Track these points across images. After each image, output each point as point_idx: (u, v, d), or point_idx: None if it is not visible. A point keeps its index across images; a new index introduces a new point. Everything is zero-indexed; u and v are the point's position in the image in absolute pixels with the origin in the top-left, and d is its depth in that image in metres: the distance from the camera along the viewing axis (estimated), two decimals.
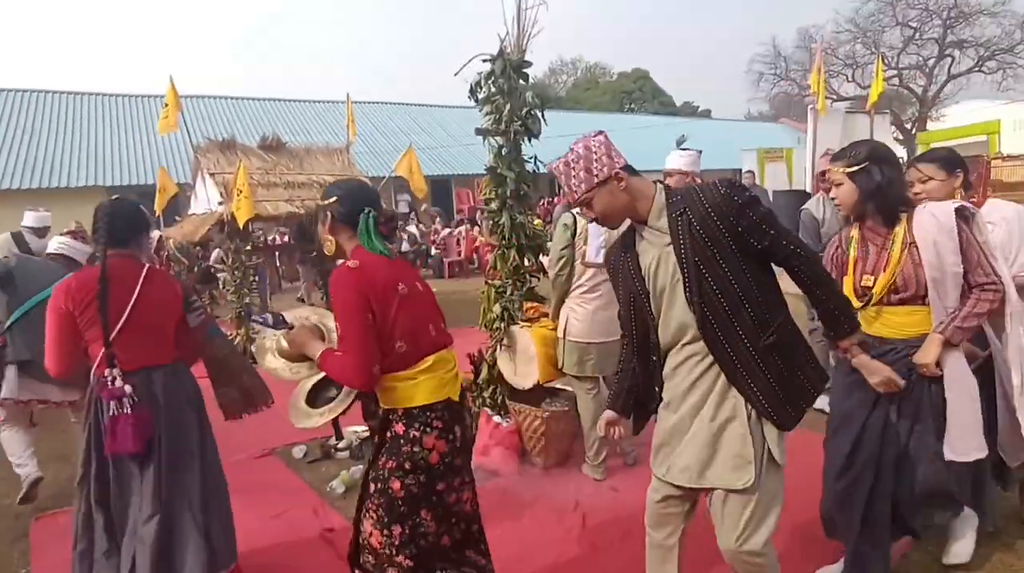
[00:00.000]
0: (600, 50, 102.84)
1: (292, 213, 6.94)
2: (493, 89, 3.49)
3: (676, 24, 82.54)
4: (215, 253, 10.20)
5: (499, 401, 3.69)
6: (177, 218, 8.78)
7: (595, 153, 1.78)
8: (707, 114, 47.85)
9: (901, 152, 23.63)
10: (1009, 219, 2.44)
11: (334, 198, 1.91)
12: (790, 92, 33.81)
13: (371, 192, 1.99)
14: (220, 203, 6.48)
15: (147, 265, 2.30)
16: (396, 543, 1.80)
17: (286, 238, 12.13)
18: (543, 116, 3.56)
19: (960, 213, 2.05)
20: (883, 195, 2.07)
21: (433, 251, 13.86)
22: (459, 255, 13.58)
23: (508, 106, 3.42)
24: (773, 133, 28.81)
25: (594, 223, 3.18)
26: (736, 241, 1.68)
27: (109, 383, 2.11)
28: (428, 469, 1.81)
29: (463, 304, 7.36)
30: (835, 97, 33.22)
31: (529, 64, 3.50)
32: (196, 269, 10.30)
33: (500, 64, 3.42)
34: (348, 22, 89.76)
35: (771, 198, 10.51)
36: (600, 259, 3.19)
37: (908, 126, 29.21)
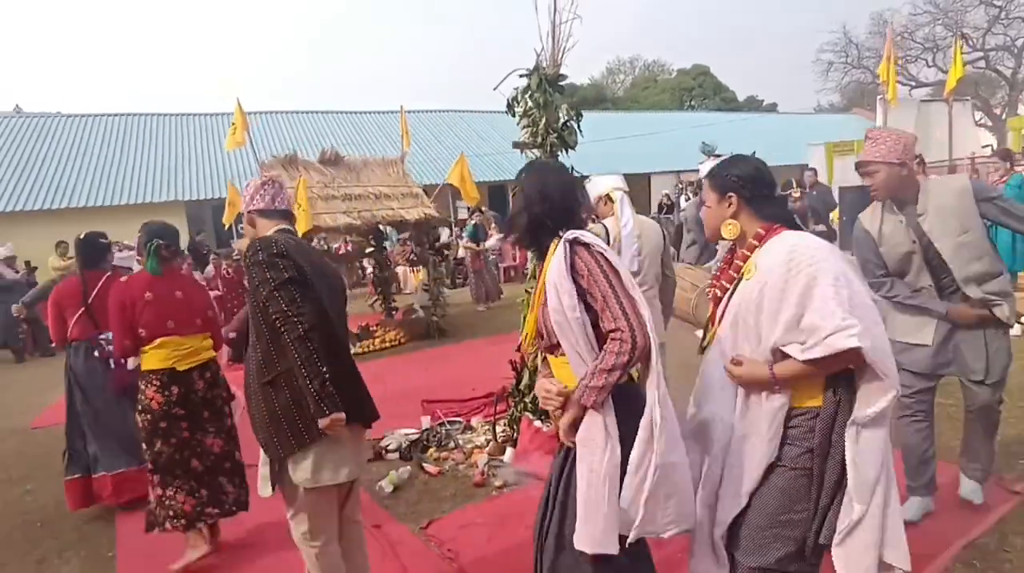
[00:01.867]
0: (659, 47, 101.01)
1: (350, 224, 7.28)
2: (530, 103, 3.59)
3: (738, 16, 79.97)
4: None
5: (539, 406, 3.77)
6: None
7: None
8: (773, 108, 46.23)
9: (990, 139, 22.01)
10: None
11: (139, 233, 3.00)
12: (863, 81, 32.23)
13: (163, 230, 3.01)
14: None
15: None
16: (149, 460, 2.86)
17: (349, 247, 12.66)
18: (579, 127, 3.63)
19: (574, 244, 1.67)
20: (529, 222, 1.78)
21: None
22: (514, 260, 13.72)
23: (544, 119, 3.51)
24: (845, 125, 27.43)
25: (628, 233, 3.26)
26: None
27: None
28: (152, 412, 2.81)
29: (515, 309, 7.48)
30: (914, 83, 31.44)
31: (564, 78, 3.58)
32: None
33: (536, 79, 3.52)
34: (406, 32, 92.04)
35: (837, 196, 10.09)
36: (635, 267, 3.23)
37: (998, 111, 27.24)
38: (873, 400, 1.57)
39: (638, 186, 21.81)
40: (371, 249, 9.56)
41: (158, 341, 2.86)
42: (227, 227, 9.55)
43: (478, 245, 10.86)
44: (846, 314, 1.52)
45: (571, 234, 1.69)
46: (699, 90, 43.96)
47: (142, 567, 2.96)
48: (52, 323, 3.55)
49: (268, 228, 2.28)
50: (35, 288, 5.16)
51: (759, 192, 1.74)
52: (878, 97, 11.16)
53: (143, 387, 2.87)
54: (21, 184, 16.38)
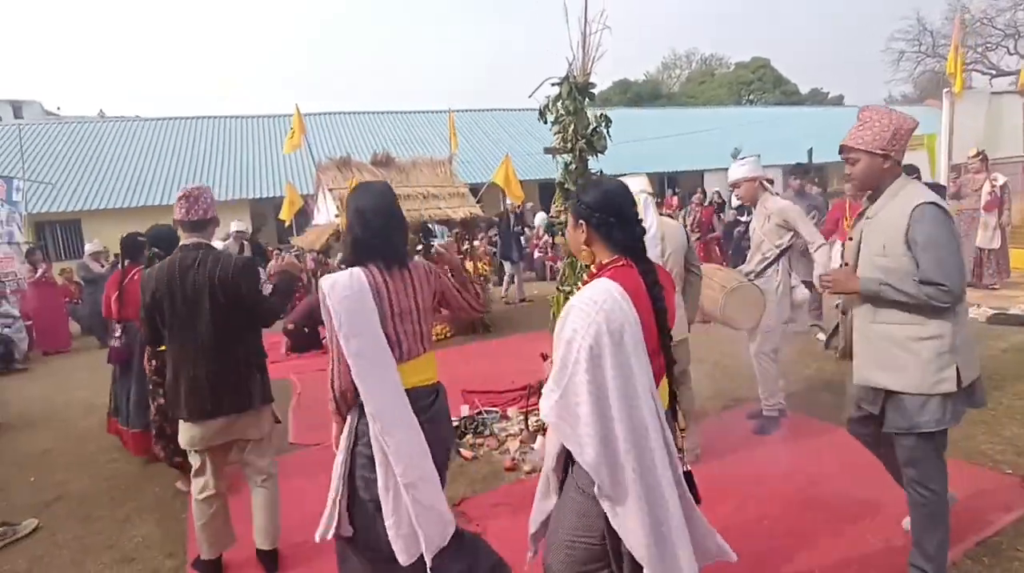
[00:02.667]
0: (716, 41, 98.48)
1: None
2: (561, 110, 3.79)
3: (801, 4, 77.01)
4: (337, 258, 11.30)
5: None
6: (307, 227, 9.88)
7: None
8: (838, 101, 44.42)
9: None
10: None
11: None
12: (937, 70, 30.59)
13: (157, 236, 3.70)
14: (336, 215, 7.31)
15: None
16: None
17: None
18: (608, 133, 3.80)
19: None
20: None
21: (536, 254, 14.27)
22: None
23: (573, 125, 3.70)
24: (917, 117, 26.07)
25: (652, 235, 3.41)
26: None
27: None
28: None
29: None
30: (995, 72, 29.62)
31: (593, 85, 3.75)
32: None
33: (566, 87, 3.71)
34: (460, 30, 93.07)
35: None
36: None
37: None
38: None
39: (691, 184, 21.52)
40: (420, 246, 9.94)
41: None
42: (287, 224, 10.17)
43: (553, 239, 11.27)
44: (552, 387, 1.62)
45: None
46: (758, 84, 42.73)
47: None
48: (104, 304, 4.44)
49: (183, 239, 2.78)
50: None
51: (605, 220, 1.73)
52: (944, 90, 10.69)
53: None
54: (105, 183, 17.73)
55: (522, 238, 11.55)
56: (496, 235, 12.19)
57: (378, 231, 2.07)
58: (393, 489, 1.97)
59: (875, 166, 2.25)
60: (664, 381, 1.79)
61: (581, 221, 1.77)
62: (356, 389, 2.00)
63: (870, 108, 2.30)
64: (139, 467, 4.34)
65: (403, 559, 1.97)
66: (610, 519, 1.64)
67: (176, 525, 3.44)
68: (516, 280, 10.51)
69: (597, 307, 1.60)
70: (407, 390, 2.07)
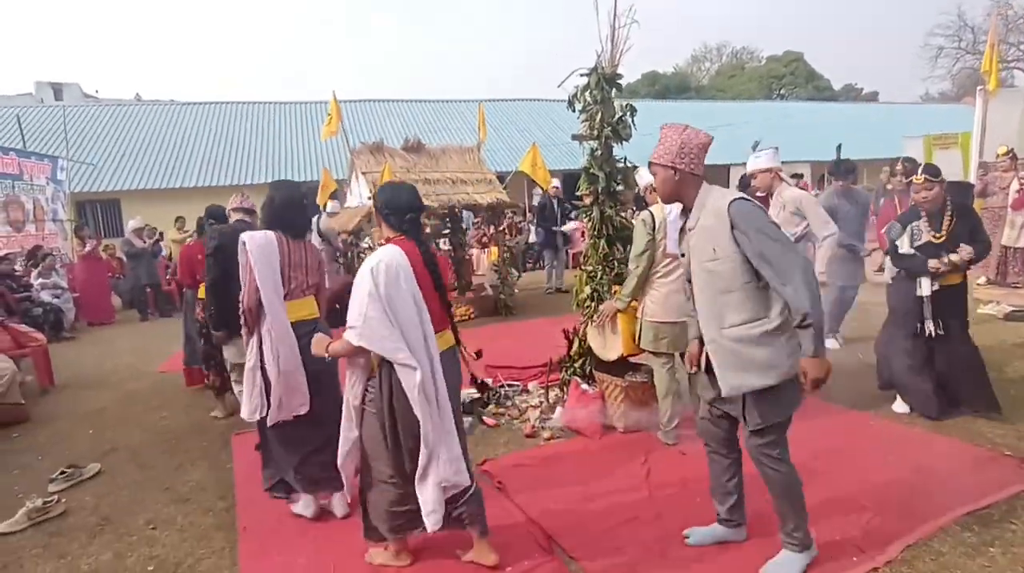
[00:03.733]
0: (748, 34, 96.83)
1: (429, 206, 7.91)
2: (589, 100, 4.00)
3: None
4: (366, 240, 11.63)
5: (587, 371, 4.23)
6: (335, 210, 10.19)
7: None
8: (873, 97, 43.56)
9: None
10: None
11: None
12: (977, 68, 29.82)
13: (216, 211, 4.66)
14: (368, 198, 7.60)
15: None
16: None
17: (427, 228, 13.42)
18: (633, 122, 4.00)
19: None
20: None
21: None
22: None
23: (600, 114, 3.91)
24: (953, 116, 25.56)
25: (673, 219, 3.61)
26: None
27: None
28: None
29: None
30: None
31: (620, 76, 3.96)
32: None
33: (594, 77, 3.92)
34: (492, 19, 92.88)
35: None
36: (678, 249, 3.59)
37: None
38: (405, 378, 2.35)
39: (717, 177, 21.42)
40: (447, 231, 10.19)
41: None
42: (323, 207, 10.52)
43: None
44: (356, 318, 2.31)
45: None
46: (790, 78, 42.07)
47: (251, 474, 3.65)
48: (182, 271, 5.05)
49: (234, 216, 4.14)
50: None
51: (388, 212, 2.52)
52: (978, 88, 10.60)
53: None
54: (143, 165, 18.33)
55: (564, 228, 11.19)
56: (531, 223, 12.06)
57: (284, 213, 3.12)
58: (275, 374, 2.96)
59: (668, 178, 2.41)
60: (448, 331, 2.59)
61: (376, 212, 2.61)
62: (259, 309, 2.95)
63: (668, 126, 2.46)
64: (187, 424, 4.69)
65: (278, 415, 3.01)
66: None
67: (225, 473, 3.76)
68: (557, 269, 10.41)
69: (381, 254, 2.39)
70: (291, 322, 3.02)
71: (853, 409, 4.21)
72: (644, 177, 3.78)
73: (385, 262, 2.36)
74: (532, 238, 13.85)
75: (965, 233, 3.75)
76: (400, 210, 2.54)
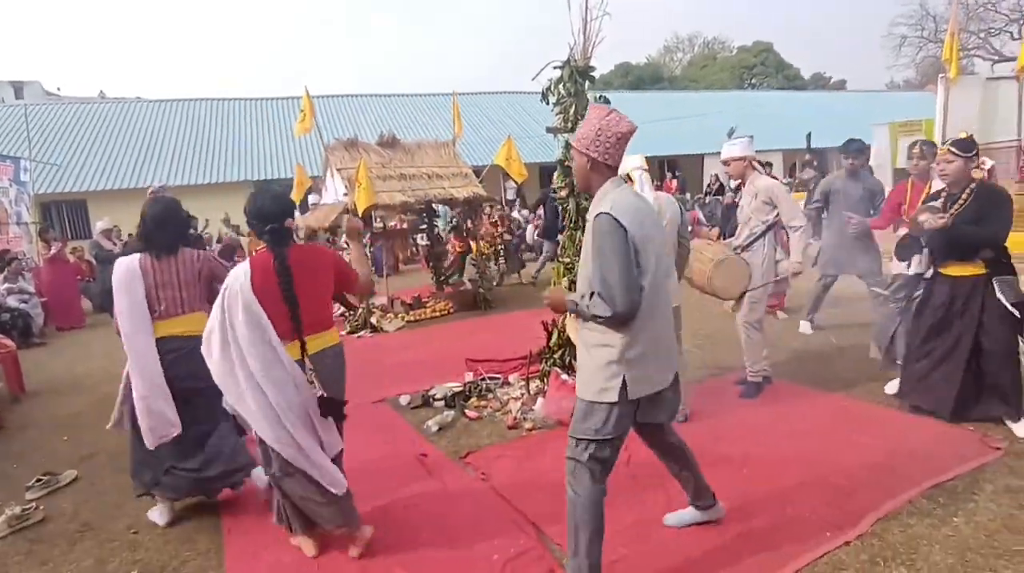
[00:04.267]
0: (719, 24, 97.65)
1: (405, 202, 7.89)
2: (563, 92, 4.03)
3: None
4: (343, 238, 11.54)
5: (567, 361, 4.28)
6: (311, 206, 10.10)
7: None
8: (841, 85, 44.34)
9: None
10: None
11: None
12: (940, 56, 30.47)
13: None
14: (344, 194, 7.55)
15: None
16: None
17: (404, 225, 13.35)
18: None
19: None
20: None
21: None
22: None
23: (574, 107, 3.95)
24: (918, 103, 26.19)
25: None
26: None
27: None
28: None
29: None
30: (997, 58, 29.56)
31: (593, 68, 4.00)
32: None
33: (568, 70, 3.95)
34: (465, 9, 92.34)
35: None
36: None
37: None
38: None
39: (691, 167, 21.67)
40: (424, 226, 10.18)
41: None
42: (297, 204, 10.42)
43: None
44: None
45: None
46: (761, 68, 42.66)
47: None
48: None
49: None
50: None
51: (252, 220, 2.61)
52: (940, 75, 10.89)
53: None
54: (110, 164, 17.92)
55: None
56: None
57: (152, 230, 3.10)
58: (136, 398, 3.02)
59: (581, 165, 2.24)
60: (296, 342, 2.55)
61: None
62: None
63: (594, 106, 2.31)
64: None
65: (148, 440, 3.03)
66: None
67: None
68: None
69: (235, 275, 2.53)
70: (161, 338, 3.05)
71: (826, 391, 4.34)
72: (623, 166, 3.84)
73: (229, 289, 2.52)
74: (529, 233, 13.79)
75: (971, 216, 3.42)
76: (261, 219, 2.57)
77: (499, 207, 12.47)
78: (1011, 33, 28.33)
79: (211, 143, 19.59)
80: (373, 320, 7.67)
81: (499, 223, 10.98)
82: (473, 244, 9.16)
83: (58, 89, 38.75)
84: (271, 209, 2.56)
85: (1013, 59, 26.86)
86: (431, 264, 10.45)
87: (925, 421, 3.69)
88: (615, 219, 2.09)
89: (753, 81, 41.84)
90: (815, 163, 15.95)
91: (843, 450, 3.41)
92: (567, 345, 4.30)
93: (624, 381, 2.15)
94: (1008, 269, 3.53)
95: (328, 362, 2.66)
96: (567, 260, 4.23)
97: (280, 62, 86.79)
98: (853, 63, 72.85)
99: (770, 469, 3.27)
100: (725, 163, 4.28)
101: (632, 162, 3.78)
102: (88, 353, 7.68)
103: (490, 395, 4.63)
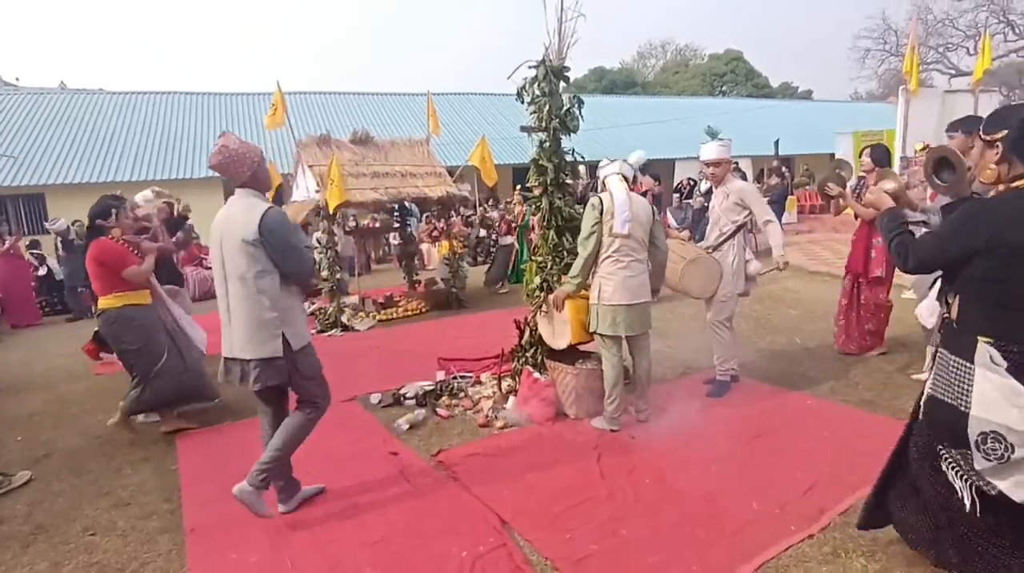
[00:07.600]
0: (692, 32, 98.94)
1: (377, 200, 7.81)
2: (537, 92, 4.04)
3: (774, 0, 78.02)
4: (314, 236, 11.36)
5: (539, 360, 4.29)
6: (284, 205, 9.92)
7: None
8: (807, 95, 45.37)
9: None
10: None
11: None
12: (901, 69, 31.50)
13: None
14: (316, 191, 7.44)
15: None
16: None
17: (376, 223, 13.22)
18: (581, 114, 4.07)
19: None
20: None
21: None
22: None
23: (548, 106, 3.96)
24: (880, 114, 26.98)
25: (621, 202, 3.68)
26: None
27: None
28: None
29: None
30: (954, 72, 30.66)
31: (567, 69, 4.02)
32: None
33: (542, 70, 3.97)
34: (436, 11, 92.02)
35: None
36: (626, 230, 3.67)
37: None
38: None
39: (662, 171, 21.89)
40: (397, 225, 10.09)
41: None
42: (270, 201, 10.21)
43: None
44: None
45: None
46: (731, 76, 43.39)
47: (199, 475, 3.56)
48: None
49: None
50: None
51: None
52: (900, 87, 11.26)
53: None
54: (70, 157, 17.32)
55: None
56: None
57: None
58: None
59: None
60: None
61: None
62: None
63: (225, 135, 2.98)
64: (127, 427, 4.50)
65: None
66: None
67: (169, 475, 3.63)
68: None
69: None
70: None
71: (792, 390, 4.43)
72: (603, 170, 3.88)
73: None
74: (483, 233, 13.80)
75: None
76: (90, 218, 3.77)
77: (477, 205, 12.40)
78: (967, 48, 29.42)
79: (177, 138, 19.08)
80: (344, 319, 7.57)
81: (471, 225, 10.93)
82: (445, 243, 9.12)
83: (17, 79, 37.32)
84: (90, 212, 4.00)
85: (969, 74, 28.03)
86: (403, 263, 10.36)
87: (883, 418, 3.79)
88: (283, 212, 2.95)
89: (723, 88, 42.54)
90: (783, 170, 16.32)
91: (808, 447, 3.48)
92: (539, 343, 4.31)
93: (284, 337, 2.86)
94: None
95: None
96: (540, 259, 4.24)
97: (249, 57, 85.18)
98: (819, 73, 74.74)
99: (737, 466, 3.32)
100: (714, 164, 4.27)
101: (611, 168, 3.83)
102: (46, 352, 7.41)
103: (462, 394, 4.61)
